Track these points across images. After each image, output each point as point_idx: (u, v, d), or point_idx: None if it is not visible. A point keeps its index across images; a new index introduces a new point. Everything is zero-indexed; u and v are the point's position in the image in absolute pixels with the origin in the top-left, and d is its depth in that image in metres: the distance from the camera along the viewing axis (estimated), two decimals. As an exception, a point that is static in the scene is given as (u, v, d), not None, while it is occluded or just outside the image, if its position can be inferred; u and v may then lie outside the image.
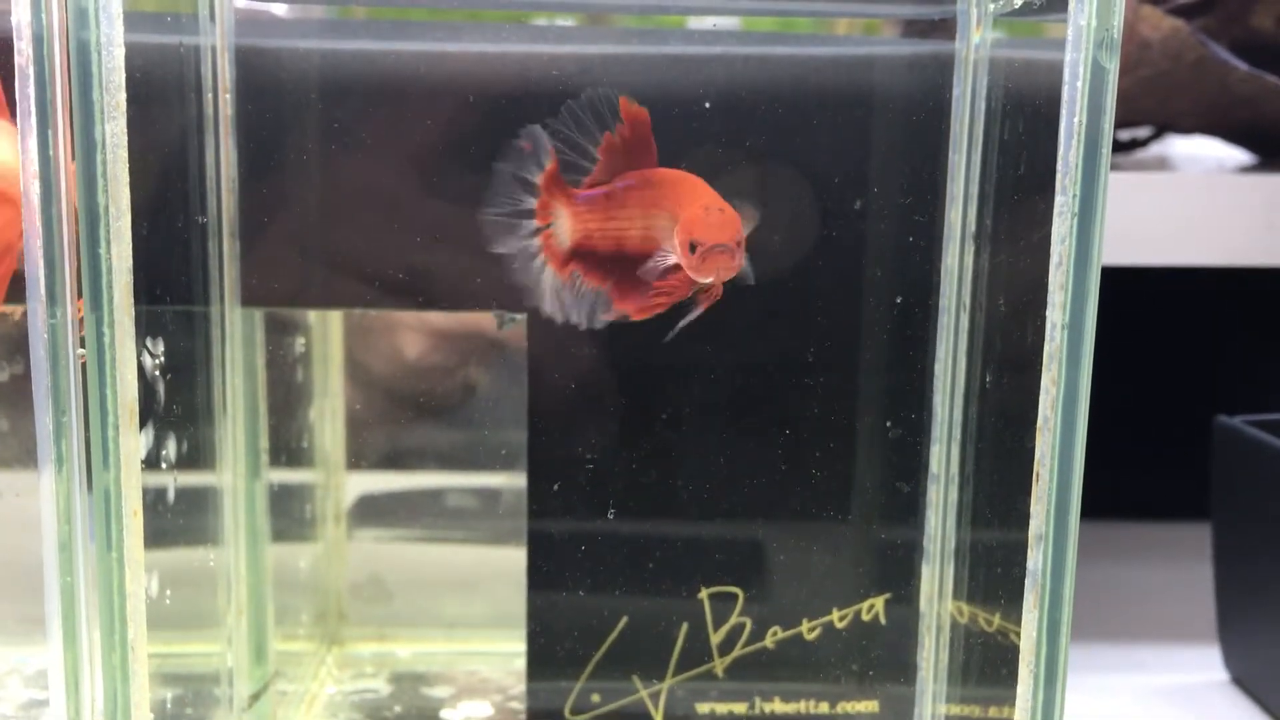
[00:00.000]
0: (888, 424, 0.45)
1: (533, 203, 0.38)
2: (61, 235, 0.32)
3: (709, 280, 0.37)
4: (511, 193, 0.38)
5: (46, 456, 0.33)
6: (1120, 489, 0.79)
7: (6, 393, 0.49)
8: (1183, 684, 0.59)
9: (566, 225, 0.38)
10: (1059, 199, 0.33)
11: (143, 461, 0.34)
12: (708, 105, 0.43)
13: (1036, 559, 0.34)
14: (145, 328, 0.36)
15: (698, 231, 0.36)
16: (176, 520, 0.40)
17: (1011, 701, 0.36)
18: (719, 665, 0.47)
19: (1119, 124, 0.69)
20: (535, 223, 0.38)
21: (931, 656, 0.45)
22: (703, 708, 0.47)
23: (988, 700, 0.42)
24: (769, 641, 0.47)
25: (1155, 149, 0.76)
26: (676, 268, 0.37)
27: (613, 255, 0.38)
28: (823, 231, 0.44)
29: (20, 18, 0.31)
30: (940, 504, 0.44)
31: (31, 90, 0.31)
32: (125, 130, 0.32)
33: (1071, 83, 0.32)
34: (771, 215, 0.42)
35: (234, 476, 0.44)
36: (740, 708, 0.47)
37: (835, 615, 0.47)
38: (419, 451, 0.57)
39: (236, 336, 0.43)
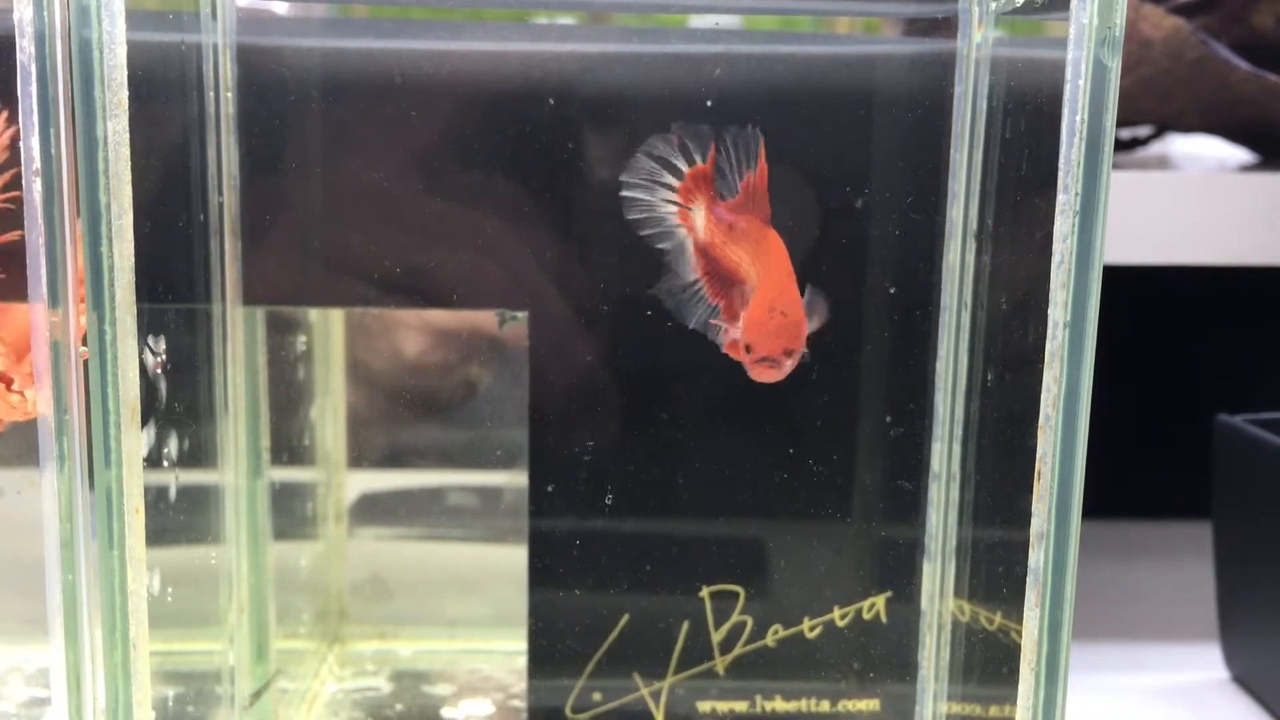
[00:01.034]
0: (889, 422, 0.45)
1: (674, 182, 0.38)
2: (63, 233, 0.32)
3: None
4: (653, 172, 0.38)
5: (48, 454, 0.33)
6: (1121, 488, 0.79)
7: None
8: (1183, 683, 0.59)
9: (701, 221, 0.38)
10: (1061, 197, 0.33)
11: (144, 459, 0.34)
12: (709, 104, 0.43)
13: (1038, 557, 0.34)
14: (147, 326, 0.36)
15: (753, 335, 0.38)
16: (178, 518, 0.40)
17: (1013, 700, 0.36)
18: (720, 663, 0.47)
19: (1120, 123, 0.69)
20: (676, 196, 0.38)
21: (933, 655, 0.45)
22: (704, 706, 0.47)
23: (989, 699, 0.42)
24: (770, 640, 0.47)
25: (1156, 148, 0.76)
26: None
27: (727, 277, 0.38)
28: (824, 230, 0.44)
29: (22, 15, 0.31)
30: (941, 502, 0.44)
31: (33, 88, 0.31)
32: (127, 128, 0.32)
33: (1073, 80, 0.32)
34: (773, 214, 0.42)
35: (235, 475, 0.44)
36: (741, 706, 0.47)
37: (836, 613, 0.47)
38: (420, 450, 0.57)
39: (238, 335, 0.44)
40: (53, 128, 0.32)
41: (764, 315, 0.38)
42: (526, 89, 0.43)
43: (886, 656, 0.47)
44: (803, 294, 0.39)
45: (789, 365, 0.38)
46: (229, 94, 0.42)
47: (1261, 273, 0.64)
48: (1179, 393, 0.83)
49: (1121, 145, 0.74)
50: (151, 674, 0.34)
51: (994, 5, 0.41)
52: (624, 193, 0.38)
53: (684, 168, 0.38)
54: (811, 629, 0.47)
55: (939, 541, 0.44)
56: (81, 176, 0.32)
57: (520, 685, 0.53)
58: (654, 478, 0.45)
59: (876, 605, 0.46)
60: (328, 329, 0.55)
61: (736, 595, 0.46)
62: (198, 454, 0.41)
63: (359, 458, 0.57)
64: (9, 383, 0.39)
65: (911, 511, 0.45)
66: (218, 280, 0.42)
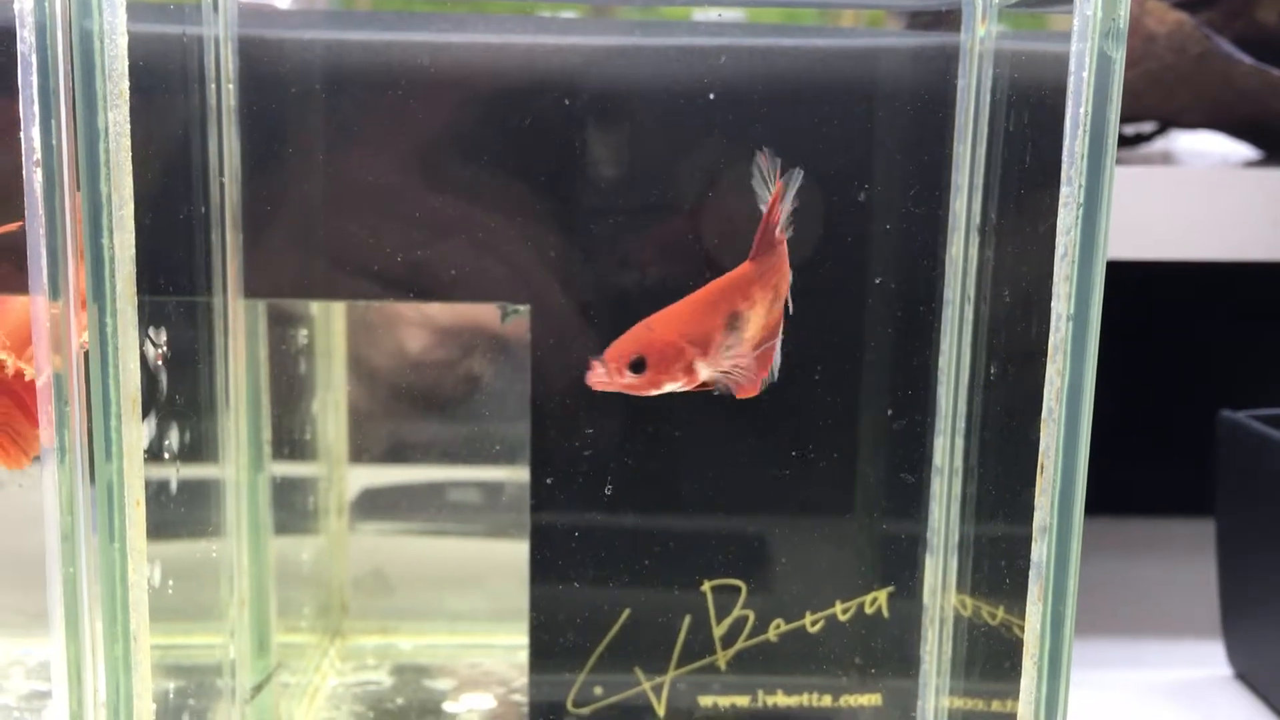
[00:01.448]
0: (891, 415, 0.45)
1: (768, 197, 0.38)
2: (64, 224, 0.32)
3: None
4: (764, 181, 0.38)
5: (49, 447, 0.33)
6: (1124, 483, 0.79)
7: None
8: (1186, 679, 0.59)
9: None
10: (1064, 189, 0.33)
11: (145, 452, 0.34)
12: (712, 97, 0.43)
13: (1041, 551, 0.34)
14: (148, 318, 0.36)
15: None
16: (179, 511, 0.40)
17: (1015, 695, 0.36)
18: (721, 658, 0.47)
19: (1123, 119, 0.69)
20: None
21: (935, 650, 0.45)
22: (705, 700, 0.47)
23: (991, 694, 0.42)
24: (772, 634, 0.47)
25: (1159, 144, 0.76)
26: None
27: None
28: (827, 223, 0.44)
29: (23, 5, 0.31)
30: (944, 496, 0.44)
31: (34, 78, 0.31)
32: (128, 118, 0.32)
33: (1077, 72, 0.32)
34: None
35: (236, 468, 0.44)
36: (743, 700, 0.47)
37: (838, 608, 0.46)
38: (421, 444, 0.57)
39: (239, 328, 0.43)
40: (53, 118, 0.32)
41: (630, 330, 0.36)
42: (529, 82, 0.43)
43: (888, 651, 0.47)
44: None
45: (626, 381, 0.36)
46: (230, 86, 0.42)
47: (1265, 268, 0.64)
48: (1182, 388, 0.83)
49: (1125, 141, 0.73)
50: (152, 667, 0.34)
51: (998, -2, 0.40)
52: (757, 189, 0.38)
53: (772, 184, 0.38)
54: (813, 623, 0.47)
55: (941, 536, 0.44)
56: (82, 167, 0.32)
57: (521, 680, 0.53)
58: (655, 472, 0.45)
59: (878, 600, 0.46)
60: (329, 322, 0.55)
61: (738, 590, 0.46)
62: (199, 447, 0.41)
63: (360, 452, 0.57)
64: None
65: (914, 506, 0.45)
66: (219, 273, 0.42)
